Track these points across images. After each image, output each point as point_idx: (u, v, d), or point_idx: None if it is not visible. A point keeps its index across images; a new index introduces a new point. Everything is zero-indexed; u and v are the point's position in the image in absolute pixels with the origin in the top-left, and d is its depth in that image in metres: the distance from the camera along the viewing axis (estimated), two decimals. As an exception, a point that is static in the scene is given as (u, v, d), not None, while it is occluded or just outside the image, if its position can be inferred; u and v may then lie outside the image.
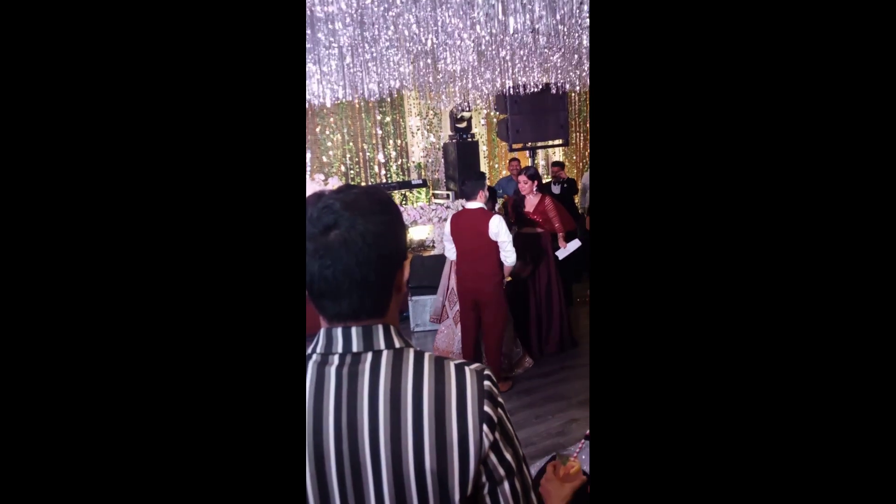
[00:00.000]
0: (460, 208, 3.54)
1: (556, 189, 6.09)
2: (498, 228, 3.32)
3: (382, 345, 0.74)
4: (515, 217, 4.17)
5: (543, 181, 6.26)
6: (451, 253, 3.61)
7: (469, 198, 3.44)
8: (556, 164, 6.52)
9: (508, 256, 3.37)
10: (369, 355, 0.73)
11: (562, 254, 4.34)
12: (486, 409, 0.72)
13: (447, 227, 3.56)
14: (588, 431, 1.71)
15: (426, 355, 0.75)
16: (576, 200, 6.26)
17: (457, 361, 0.76)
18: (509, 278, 3.75)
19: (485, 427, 0.71)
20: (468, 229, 3.40)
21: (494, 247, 3.36)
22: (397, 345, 0.75)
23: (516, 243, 3.50)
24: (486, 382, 0.74)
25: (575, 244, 4.35)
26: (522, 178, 4.08)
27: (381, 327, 0.75)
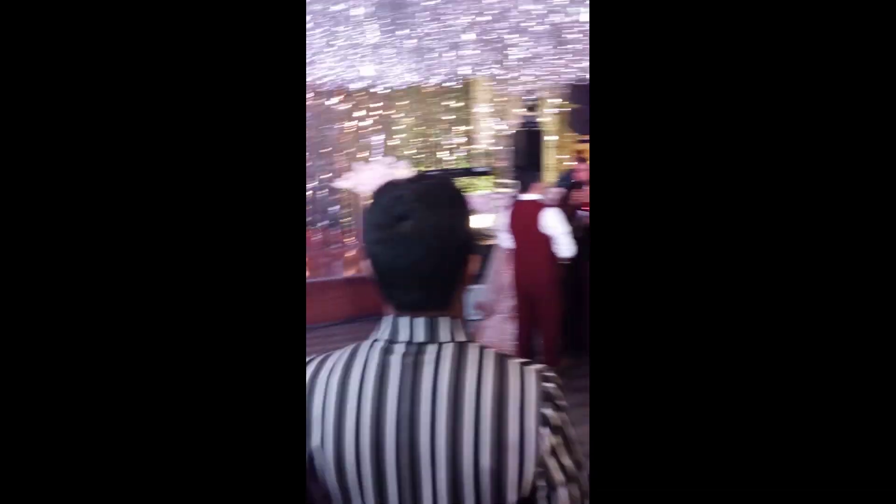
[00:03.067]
0: (520, 199, 3.49)
1: None
2: (551, 221, 3.24)
3: (447, 337, 0.73)
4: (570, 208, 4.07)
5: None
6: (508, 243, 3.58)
7: (525, 189, 3.38)
8: None
9: (565, 249, 3.29)
10: (433, 347, 0.73)
11: None
12: (546, 411, 0.71)
13: (505, 218, 3.52)
14: None
15: (489, 351, 0.74)
16: None
17: (520, 360, 0.75)
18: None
19: (544, 430, 0.70)
20: (523, 221, 3.35)
21: (548, 240, 3.28)
22: (461, 338, 0.74)
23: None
24: (548, 384, 0.73)
25: None
26: (582, 165, 4.02)
27: (446, 320, 0.74)
